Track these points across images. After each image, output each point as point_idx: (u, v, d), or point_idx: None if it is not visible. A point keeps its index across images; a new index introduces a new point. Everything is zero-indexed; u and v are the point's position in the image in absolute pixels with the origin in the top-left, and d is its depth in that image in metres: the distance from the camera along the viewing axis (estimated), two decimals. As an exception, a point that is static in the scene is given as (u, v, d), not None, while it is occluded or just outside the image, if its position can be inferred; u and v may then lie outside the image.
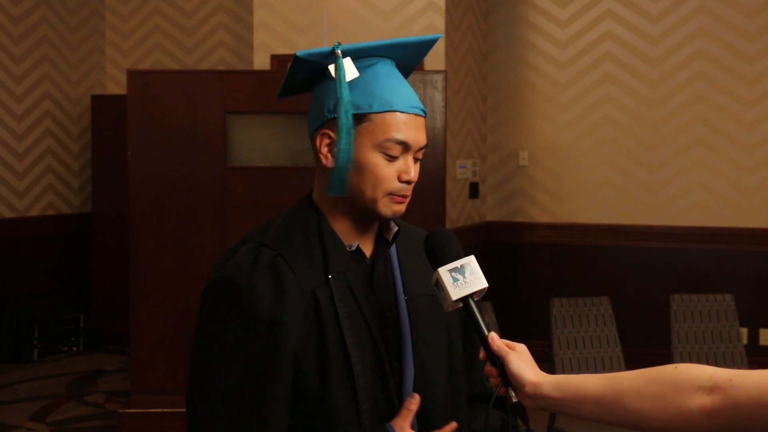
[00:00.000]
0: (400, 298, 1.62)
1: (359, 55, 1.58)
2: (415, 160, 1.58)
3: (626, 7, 6.50)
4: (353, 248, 1.59)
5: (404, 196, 1.57)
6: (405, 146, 1.55)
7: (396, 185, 1.55)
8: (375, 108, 1.54)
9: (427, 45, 1.65)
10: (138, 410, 4.70)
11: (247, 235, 1.59)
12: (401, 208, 1.58)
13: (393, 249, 1.65)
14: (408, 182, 1.56)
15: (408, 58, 1.64)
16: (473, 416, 1.70)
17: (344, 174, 1.53)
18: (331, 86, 1.56)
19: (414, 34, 5.84)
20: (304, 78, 1.61)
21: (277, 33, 6.07)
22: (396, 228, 1.64)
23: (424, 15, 5.90)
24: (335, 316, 1.52)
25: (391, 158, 1.55)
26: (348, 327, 1.52)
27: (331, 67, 1.55)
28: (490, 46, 6.85)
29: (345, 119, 1.52)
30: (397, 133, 1.54)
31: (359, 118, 1.54)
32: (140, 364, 4.75)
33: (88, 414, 5.48)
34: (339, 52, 1.54)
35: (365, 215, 1.59)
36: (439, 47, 5.89)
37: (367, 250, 1.62)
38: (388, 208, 1.56)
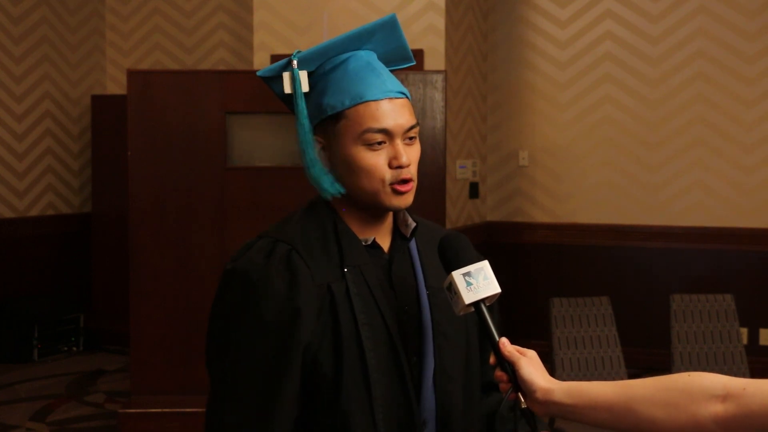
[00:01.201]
0: (422, 293, 1.62)
1: (327, 56, 1.58)
2: (410, 139, 1.57)
3: (626, 7, 6.50)
4: (369, 242, 1.60)
5: (403, 182, 1.55)
6: (386, 133, 1.54)
7: (389, 172, 1.54)
8: (347, 103, 1.54)
9: (383, 27, 1.62)
10: (138, 410, 4.70)
11: (264, 232, 1.60)
12: (407, 198, 1.57)
13: (413, 244, 1.65)
14: (400, 167, 1.54)
15: (380, 45, 1.63)
16: (487, 406, 1.70)
17: (323, 179, 1.56)
18: (311, 96, 1.58)
19: (414, 34, 5.84)
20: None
21: (277, 33, 6.07)
22: (414, 224, 1.64)
23: (424, 15, 5.90)
24: (351, 309, 1.53)
25: (376, 147, 1.54)
26: (363, 321, 1.52)
27: (286, 77, 1.56)
28: (490, 46, 6.85)
29: (302, 130, 1.56)
30: (373, 122, 1.53)
31: (337, 118, 1.55)
32: (140, 364, 4.75)
33: (88, 414, 5.48)
34: (295, 63, 1.55)
35: (374, 210, 1.59)
36: (439, 47, 5.89)
37: (385, 245, 1.63)
38: (392, 199, 1.55)
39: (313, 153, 1.56)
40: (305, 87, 1.57)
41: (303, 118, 1.56)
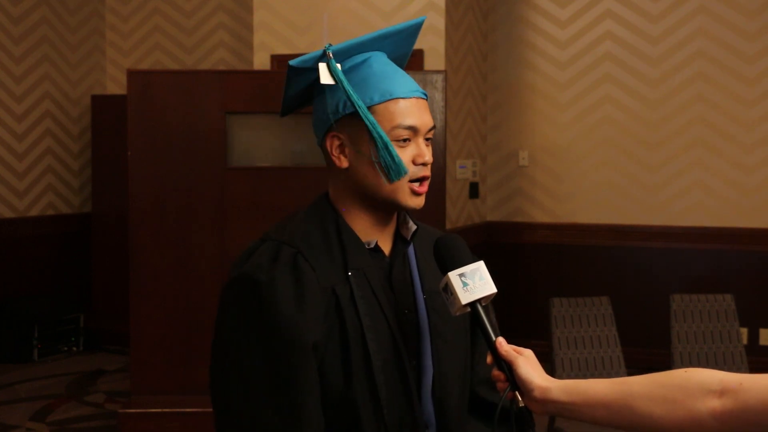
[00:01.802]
0: (419, 297, 1.62)
1: (351, 53, 1.59)
2: (427, 141, 1.59)
3: (626, 7, 6.50)
4: (372, 246, 1.60)
5: (423, 181, 1.57)
6: (413, 130, 1.56)
7: (412, 168, 1.56)
8: (376, 99, 1.55)
9: (414, 30, 1.66)
10: (138, 410, 4.70)
11: (266, 234, 1.60)
12: (421, 200, 1.59)
13: (411, 248, 1.66)
14: (423, 164, 1.57)
15: (398, 47, 1.66)
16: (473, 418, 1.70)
17: (394, 156, 1.52)
18: (333, 89, 1.57)
19: (414, 34, 5.83)
20: (303, 88, 1.61)
21: (277, 33, 6.07)
22: (414, 227, 1.65)
23: (424, 15, 5.89)
24: (355, 312, 1.53)
25: (402, 144, 1.55)
26: (368, 324, 1.53)
27: (322, 68, 1.55)
28: (490, 46, 6.85)
29: (364, 114, 1.53)
30: (402, 119, 1.55)
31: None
32: (140, 364, 4.75)
33: (88, 414, 5.48)
34: (330, 54, 1.55)
35: (384, 208, 1.59)
36: (439, 47, 5.89)
37: (386, 248, 1.63)
38: (408, 199, 1.57)
39: (382, 133, 1.53)
40: (329, 80, 1.56)
41: (358, 101, 1.53)
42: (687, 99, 6.37)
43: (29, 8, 7.11)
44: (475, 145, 6.64)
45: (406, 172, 1.53)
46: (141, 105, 4.72)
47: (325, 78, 1.55)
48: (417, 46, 5.84)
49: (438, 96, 4.87)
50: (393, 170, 1.53)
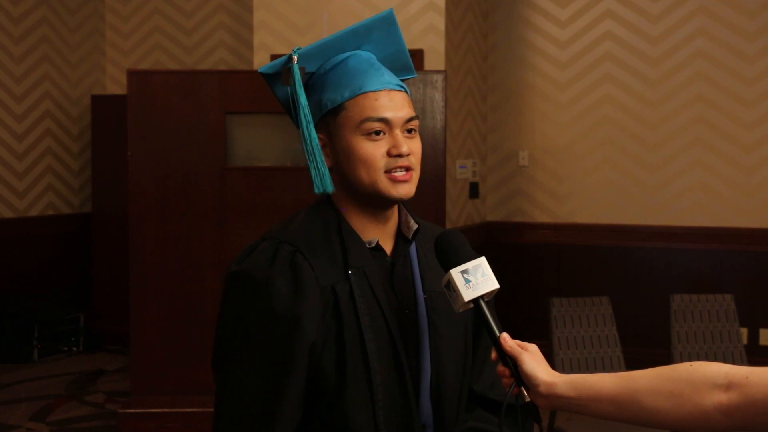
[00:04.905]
0: (419, 296, 1.62)
1: (324, 54, 1.60)
2: (409, 132, 1.57)
3: (626, 7, 6.50)
4: (373, 245, 1.59)
5: (402, 169, 1.55)
6: (385, 122, 1.55)
7: (387, 160, 1.54)
8: (347, 95, 1.55)
9: (382, 24, 1.66)
10: (138, 410, 4.70)
11: (267, 233, 1.60)
12: (407, 188, 1.56)
13: (413, 246, 1.65)
14: (399, 155, 1.54)
15: (382, 45, 1.65)
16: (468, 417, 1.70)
17: (320, 172, 1.55)
18: (312, 91, 1.59)
19: (414, 34, 5.84)
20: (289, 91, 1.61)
21: (277, 33, 6.07)
22: (416, 226, 1.64)
23: (424, 15, 5.90)
24: (354, 311, 1.52)
25: (375, 137, 1.54)
26: (367, 323, 1.53)
27: (284, 72, 1.57)
28: (490, 46, 6.85)
29: (305, 122, 1.55)
30: (372, 111, 1.54)
31: (336, 111, 1.56)
32: (140, 364, 4.75)
33: (88, 414, 5.48)
34: (295, 58, 1.56)
35: (375, 203, 1.58)
36: (439, 47, 5.89)
37: (388, 247, 1.63)
38: (390, 188, 1.55)
39: (315, 143, 1.55)
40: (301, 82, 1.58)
41: (305, 109, 1.56)
42: (687, 99, 6.37)
43: (29, 8, 7.11)
44: (475, 145, 6.64)
45: (326, 190, 1.55)
46: (141, 105, 4.72)
47: (286, 81, 1.57)
48: (417, 46, 5.84)
49: (438, 96, 4.87)
50: (317, 179, 1.55)
